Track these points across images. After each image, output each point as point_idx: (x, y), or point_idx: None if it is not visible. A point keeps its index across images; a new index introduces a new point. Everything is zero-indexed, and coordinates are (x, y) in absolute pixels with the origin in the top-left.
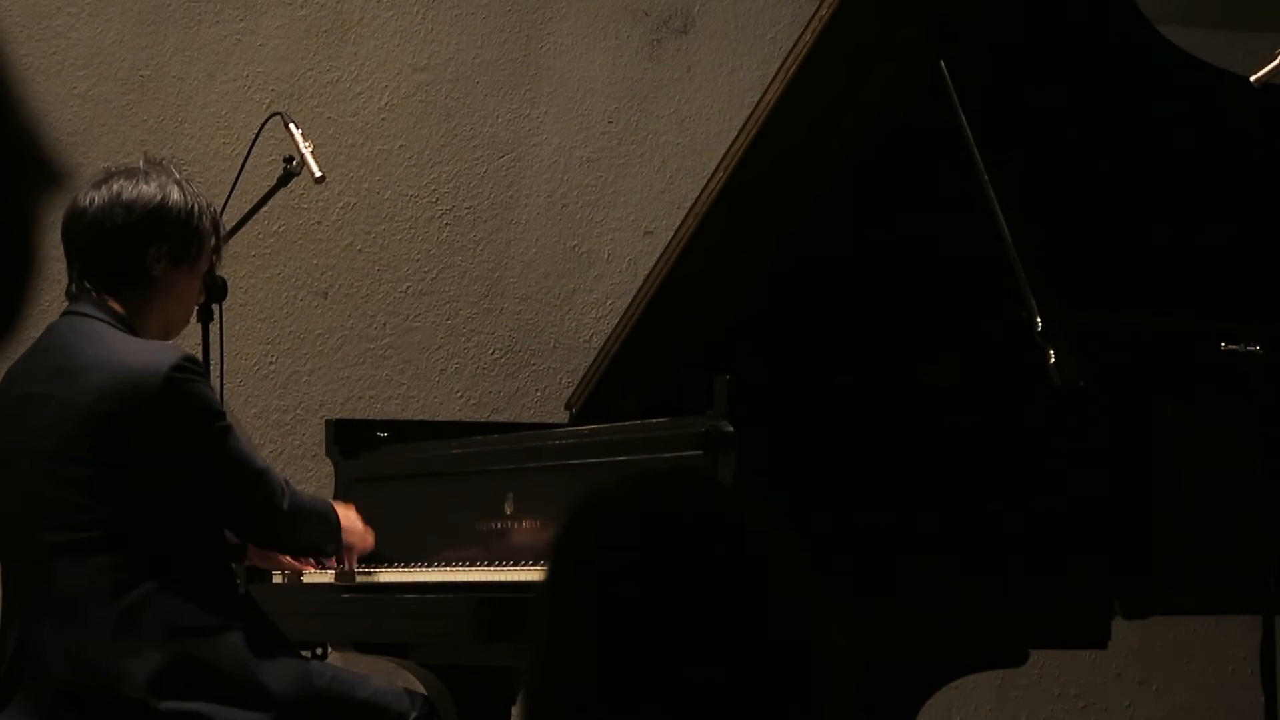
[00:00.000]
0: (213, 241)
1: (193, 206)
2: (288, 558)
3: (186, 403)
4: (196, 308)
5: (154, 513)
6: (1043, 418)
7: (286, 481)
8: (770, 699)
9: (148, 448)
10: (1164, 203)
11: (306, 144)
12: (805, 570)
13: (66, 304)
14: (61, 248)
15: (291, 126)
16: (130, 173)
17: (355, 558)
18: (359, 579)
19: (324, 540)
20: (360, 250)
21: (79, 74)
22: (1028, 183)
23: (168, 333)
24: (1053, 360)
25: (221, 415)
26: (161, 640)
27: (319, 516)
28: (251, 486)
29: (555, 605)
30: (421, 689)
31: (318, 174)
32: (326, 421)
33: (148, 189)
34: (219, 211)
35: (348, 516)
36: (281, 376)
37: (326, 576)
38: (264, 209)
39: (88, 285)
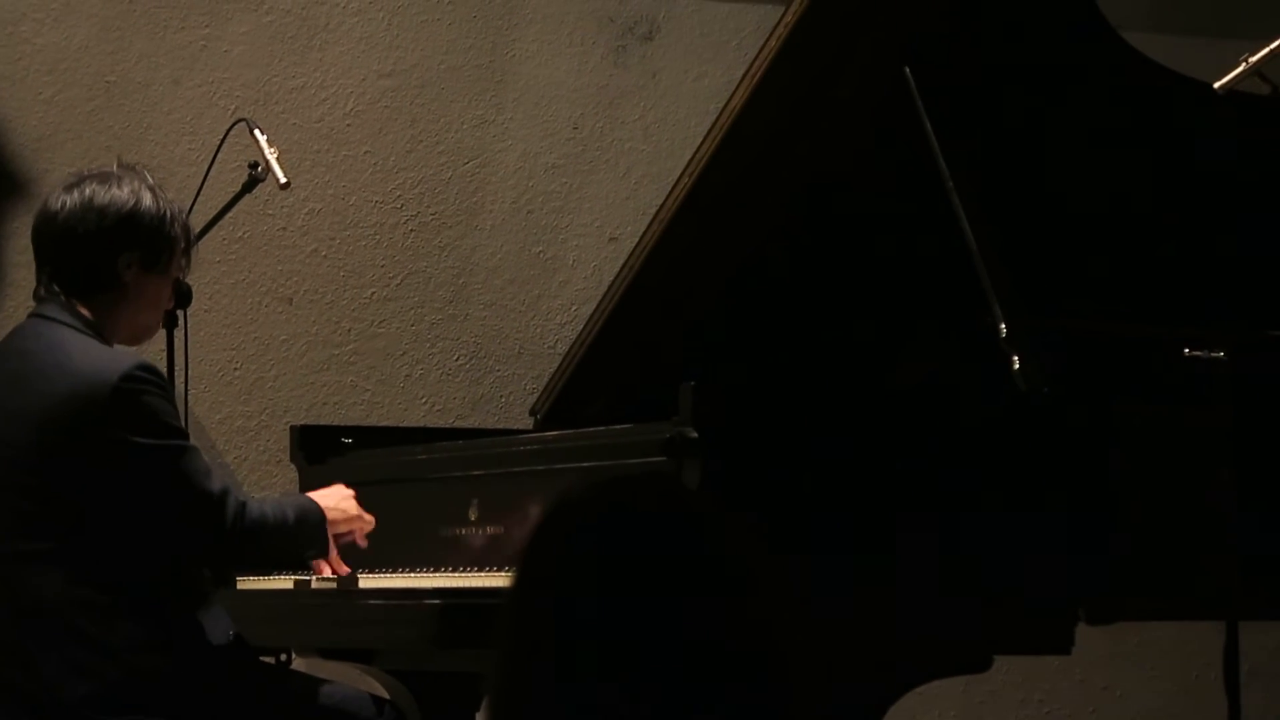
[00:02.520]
0: (183, 247)
1: (165, 212)
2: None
3: (133, 413)
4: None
5: (106, 525)
6: (1007, 423)
7: (244, 504)
8: (736, 702)
9: (93, 459)
10: (1128, 208)
11: (272, 150)
12: (772, 574)
13: (34, 306)
14: (27, 253)
15: (257, 132)
16: (103, 177)
17: (359, 538)
18: (315, 585)
19: (298, 548)
20: (325, 256)
21: (44, 80)
22: (992, 188)
23: (138, 337)
24: (1017, 366)
25: (172, 430)
26: (115, 655)
27: (285, 530)
28: (197, 511)
29: (524, 610)
30: (386, 694)
31: (283, 180)
32: (291, 427)
33: (120, 194)
34: (189, 217)
35: (338, 501)
36: (246, 382)
37: (325, 582)
38: (229, 215)
39: (56, 289)
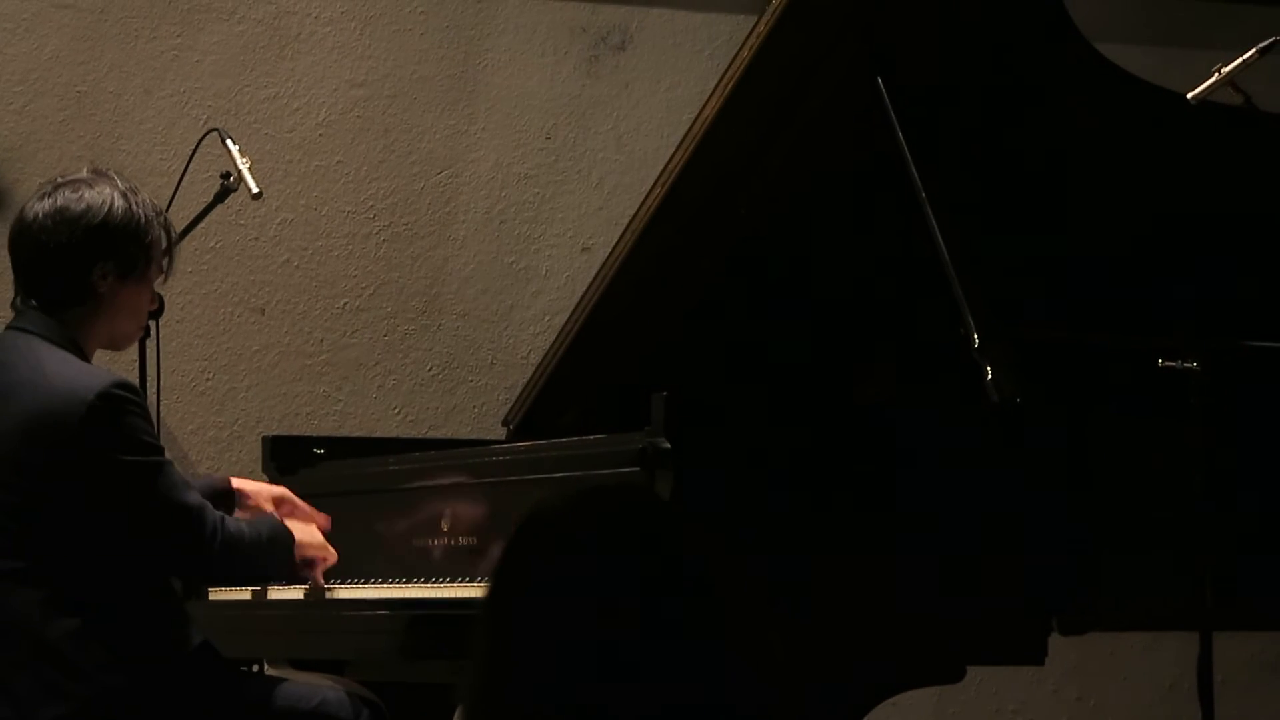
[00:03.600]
0: (164, 246)
1: (139, 218)
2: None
3: (108, 431)
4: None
5: (82, 544)
6: (979, 433)
7: (222, 519)
8: (708, 708)
9: (68, 477)
10: (1100, 218)
11: (244, 160)
12: (744, 583)
13: (11, 317)
14: (5, 267)
15: (229, 142)
16: (75, 185)
17: (319, 573)
18: (274, 596)
19: (267, 569)
20: (297, 266)
21: (15, 90)
22: (965, 199)
23: (117, 344)
24: (990, 376)
25: (149, 448)
26: (89, 676)
27: (260, 548)
28: (177, 526)
29: (498, 620)
30: (370, 694)
31: (255, 190)
32: (263, 438)
33: (92, 203)
34: (167, 216)
35: (307, 531)
36: (218, 393)
37: (295, 593)
38: (201, 225)
39: (33, 302)
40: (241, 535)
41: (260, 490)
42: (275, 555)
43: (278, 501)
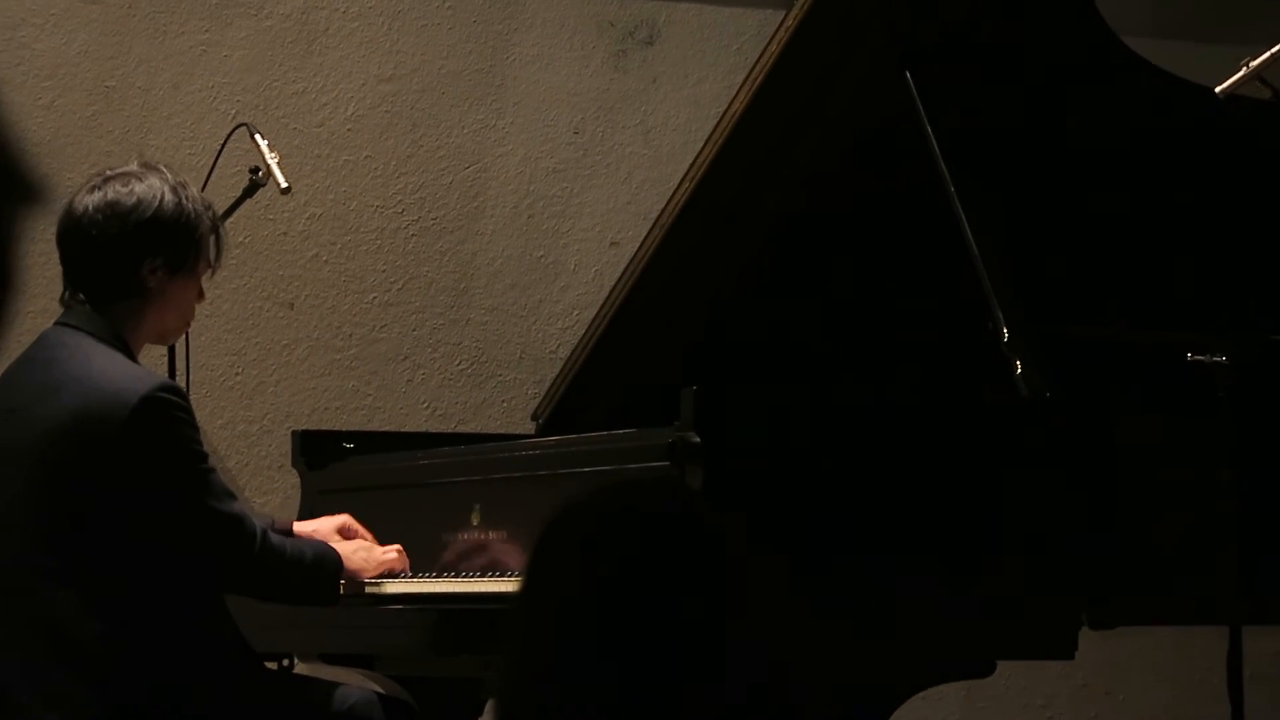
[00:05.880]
0: (213, 240)
1: (189, 213)
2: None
3: (150, 435)
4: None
5: (117, 548)
6: (1009, 428)
7: (263, 532)
8: (739, 704)
9: (107, 479)
10: (1129, 213)
11: (272, 155)
12: (774, 578)
13: (62, 312)
14: (45, 259)
15: (257, 137)
16: (125, 178)
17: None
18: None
19: (308, 590)
20: (326, 261)
21: (44, 85)
22: (994, 193)
23: (165, 338)
24: (1019, 371)
25: (190, 455)
26: (119, 678)
27: (300, 566)
28: (214, 535)
29: (531, 615)
30: (404, 693)
31: (284, 185)
32: (293, 432)
33: (143, 198)
34: (216, 210)
35: (362, 557)
36: (247, 387)
37: None
38: (230, 219)
39: (81, 296)
40: (282, 550)
41: (319, 528)
42: (317, 575)
43: (341, 531)
